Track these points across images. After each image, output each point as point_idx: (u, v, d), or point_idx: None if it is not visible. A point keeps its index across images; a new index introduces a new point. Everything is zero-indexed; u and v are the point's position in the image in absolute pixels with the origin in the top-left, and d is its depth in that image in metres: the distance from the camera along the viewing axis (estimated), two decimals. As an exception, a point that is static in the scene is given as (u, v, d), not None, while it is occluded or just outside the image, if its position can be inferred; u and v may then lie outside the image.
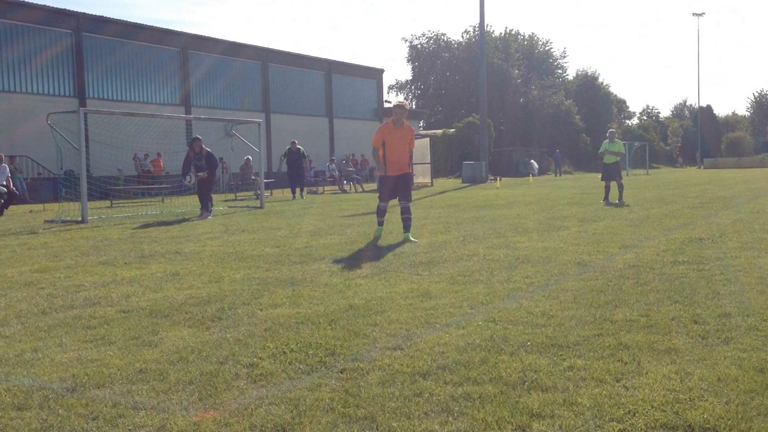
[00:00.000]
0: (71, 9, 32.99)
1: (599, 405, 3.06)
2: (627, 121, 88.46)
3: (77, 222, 13.95)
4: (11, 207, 18.41)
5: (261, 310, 5.10)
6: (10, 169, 19.13)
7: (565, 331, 4.29)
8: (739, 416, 2.90)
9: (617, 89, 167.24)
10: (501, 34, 71.04)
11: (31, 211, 18.70)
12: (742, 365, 3.55)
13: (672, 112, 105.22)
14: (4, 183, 17.72)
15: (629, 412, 2.98)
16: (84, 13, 32.27)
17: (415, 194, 19.93)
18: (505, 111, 63.02)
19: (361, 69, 49.32)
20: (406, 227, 9.34)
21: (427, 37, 67.61)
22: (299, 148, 23.66)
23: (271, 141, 38.62)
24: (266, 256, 8.08)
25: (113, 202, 21.74)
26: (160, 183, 25.11)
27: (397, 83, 69.98)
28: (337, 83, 46.30)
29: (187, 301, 5.49)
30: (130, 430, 2.94)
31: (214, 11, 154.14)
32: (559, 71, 75.60)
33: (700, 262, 6.79)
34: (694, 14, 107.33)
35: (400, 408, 3.09)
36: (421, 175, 32.67)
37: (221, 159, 21.67)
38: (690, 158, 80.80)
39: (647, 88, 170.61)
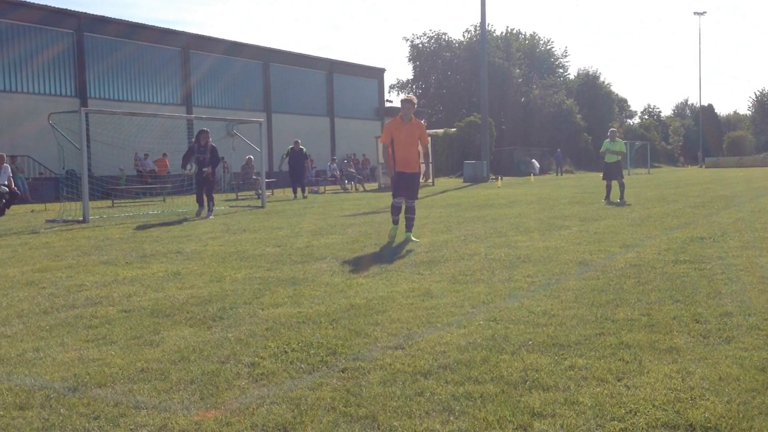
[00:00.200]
0: (72, 9, 33.02)
1: (600, 404, 3.06)
2: (628, 121, 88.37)
3: (79, 221, 13.96)
4: (13, 207, 18.41)
5: (262, 310, 5.11)
6: (11, 169, 19.15)
7: (566, 330, 4.29)
8: (741, 415, 2.90)
9: (618, 88, 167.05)
10: (502, 33, 71.01)
11: (32, 211, 18.72)
12: (743, 364, 3.55)
13: (673, 111, 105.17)
14: (6, 183, 17.73)
15: (630, 411, 2.98)
16: (85, 13, 32.29)
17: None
18: (507, 110, 62.98)
19: (362, 68, 49.32)
20: (409, 227, 9.29)
21: (428, 37, 67.62)
22: (302, 149, 23.62)
23: (272, 141, 38.63)
24: (267, 255, 8.09)
25: (115, 201, 21.75)
26: (163, 182, 25.13)
27: (398, 83, 70.04)
28: (339, 83, 46.29)
29: (188, 301, 5.49)
30: (131, 429, 2.94)
31: (215, 11, 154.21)
32: (561, 70, 75.54)
33: (701, 261, 6.79)
34: (695, 13, 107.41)
35: (402, 407, 3.09)
36: (422, 175, 32.63)
37: (223, 158, 21.67)
38: (691, 157, 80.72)
39: (649, 88, 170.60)
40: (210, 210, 14.90)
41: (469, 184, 32.43)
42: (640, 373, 3.45)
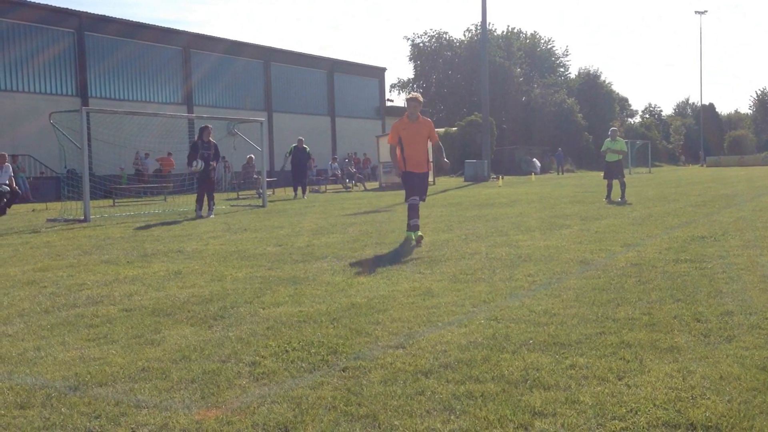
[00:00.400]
0: (73, 8, 33.05)
1: (601, 403, 3.06)
2: (629, 120, 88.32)
3: (79, 221, 13.97)
4: (14, 206, 18.43)
5: (263, 309, 5.11)
6: (12, 168, 19.16)
7: (567, 329, 4.29)
8: (741, 414, 2.90)
9: (619, 87, 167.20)
10: (503, 32, 70.96)
11: (33, 210, 18.73)
12: (744, 363, 3.54)
13: (674, 110, 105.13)
14: (7, 182, 17.75)
15: (631, 410, 2.98)
16: (86, 13, 32.31)
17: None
18: (507, 109, 62.96)
19: (363, 68, 49.32)
20: (410, 227, 9.09)
21: (429, 36, 67.60)
22: (305, 147, 23.52)
23: (273, 140, 38.65)
24: (268, 254, 8.09)
25: (116, 201, 21.77)
26: (164, 182, 25.14)
27: (399, 82, 70.02)
28: (340, 82, 46.29)
29: (189, 300, 5.49)
30: (132, 428, 2.95)
31: (216, 10, 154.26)
32: (561, 69, 75.51)
33: (702, 260, 6.78)
34: (696, 12, 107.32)
35: (402, 406, 3.09)
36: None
37: (224, 158, 21.69)
38: (692, 156, 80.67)
39: (650, 87, 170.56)
40: (210, 209, 14.90)
41: (470, 183, 32.43)
42: (641, 372, 3.45)
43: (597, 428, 2.82)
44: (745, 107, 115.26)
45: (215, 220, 13.77)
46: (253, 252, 8.35)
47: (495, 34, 67.74)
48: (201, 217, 14.34)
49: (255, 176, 24.64)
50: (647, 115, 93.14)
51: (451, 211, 13.75)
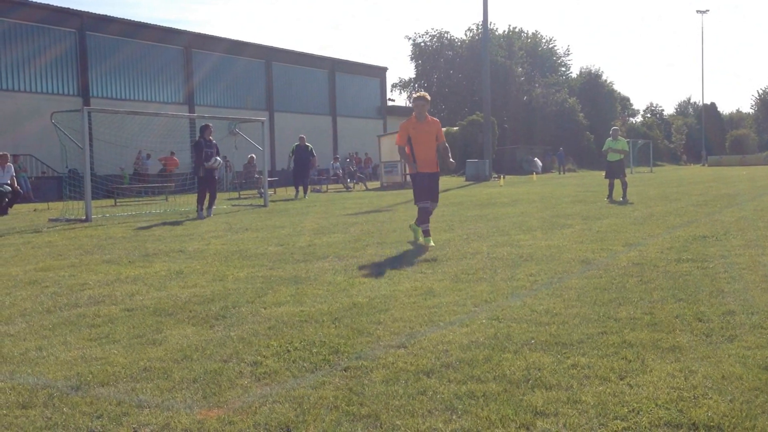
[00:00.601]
0: (75, 8, 33.09)
1: (603, 403, 3.05)
2: (631, 119, 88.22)
3: (81, 220, 13.98)
4: (15, 206, 18.45)
5: (265, 309, 5.11)
6: (14, 168, 19.18)
7: (568, 329, 4.28)
8: (744, 414, 2.89)
9: (621, 87, 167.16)
10: (504, 32, 70.87)
11: (35, 210, 18.75)
12: (746, 363, 3.54)
13: (676, 109, 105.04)
14: (9, 182, 17.77)
15: (633, 410, 2.97)
16: (87, 12, 32.36)
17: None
18: (509, 109, 62.91)
19: (364, 67, 49.33)
20: (419, 221, 8.77)
21: (430, 36, 67.50)
22: (307, 145, 23.41)
23: (274, 139, 38.67)
24: (270, 254, 8.09)
25: (117, 200, 21.78)
26: (165, 181, 25.16)
27: (400, 81, 69.87)
28: (341, 82, 46.31)
29: (191, 300, 5.50)
30: (134, 428, 2.95)
31: (217, 10, 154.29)
32: (563, 69, 75.41)
33: (704, 259, 6.78)
34: (697, 11, 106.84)
35: (404, 406, 3.09)
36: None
37: (225, 157, 21.70)
38: (694, 156, 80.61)
39: (651, 86, 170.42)
40: (210, 207, 14.81)
41: (471, 182, 32.41)
42: (643, 372, 3.45)
43: (599, 428, 2.82)
44: (747, 107, 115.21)
45: (216, 219, 13.76)
46: (255, 252, 8.35)
47: (496, 33, 67.66)
48: (202, 217, 14.24)
49: (256, 176, 24.64)
50: (649, 115, 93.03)
51: (453, 211, 13.74)
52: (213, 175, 14.94)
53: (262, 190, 19.45)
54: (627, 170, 18.29)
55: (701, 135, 79.17)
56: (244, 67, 39.51)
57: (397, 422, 2.91)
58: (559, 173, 48.07)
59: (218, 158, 14.77)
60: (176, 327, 4.64)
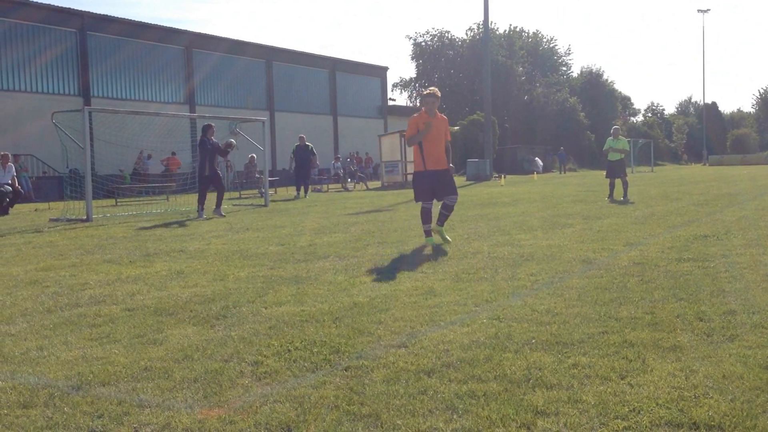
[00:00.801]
0: (75, 8, 33.10)
1: (604, 402, 3.05)
2: (632, 118, 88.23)
3: (82, 220, 13.99)
4: (16, 205, 18.46)
5: (265, 308, 5.11)
6: (15, 168, 19.19)
7: (569, 328, 4.28)
8: (744, 414, 2.89)
9: (622, 86, 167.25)
10: (505, 31, 70.87)
11: (36, 210, 18.76)
12: (747, 362, 3.53)
13: (677, 109, 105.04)
14: (10, 182, 17.78)
15: (634, 409, 2.97)
16: (88, 12, 32.36)
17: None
18: (510, 108, 62.92)
19: (365, 67, 49.33)
20: (440, 222, 8.61)
21: (431, 35, 67.49)
22: (308, 145, 23.41)
23: (275, 139, 38.67)
24: (270, 254, 8.09)
25: (118, 200, 21.79)
26: (170, 181, 25.17)
27: (401, 81, 69.90)
28: (342, 81, 46.31)
29: (191, 299, 5.50)
30: (135, 427, 2.95)
31: (217, 9, 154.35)
32: (564, 68, 75.42)
33: (705, 259, 6.77)
34: (698, 11, 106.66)
35: (405, 406, 3.09)
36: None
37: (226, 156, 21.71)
38: (695, 155, 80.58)
39: (652, 85, 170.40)
40: (217, 208, 14.70)
41: (472, 182, 32.42)
42: (644, 372, 3.45)
43: (600, 427, 2.82)
44: (748, 106, 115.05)
45: (217, 219, 13.76)
46: (256, 251, 8.36)
47: (497, 33, 67.66)
48: (203, 218, 14.12)
49: (257, 175, 24.65)
50: (650, 114, 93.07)
51: (454, 210, 13.73)
52: (218, 174, 14.91)
53: (263, 190, 19.46)
54: (628, 170, 18.29)
55: (702, 134, 79.13)
56: (244, 66, 39.52)
57: (398, 422, 2.91)
58: (560, 173, 48.06)
59: (232, 140, 14.87)
60: (177, 327, 4.64)
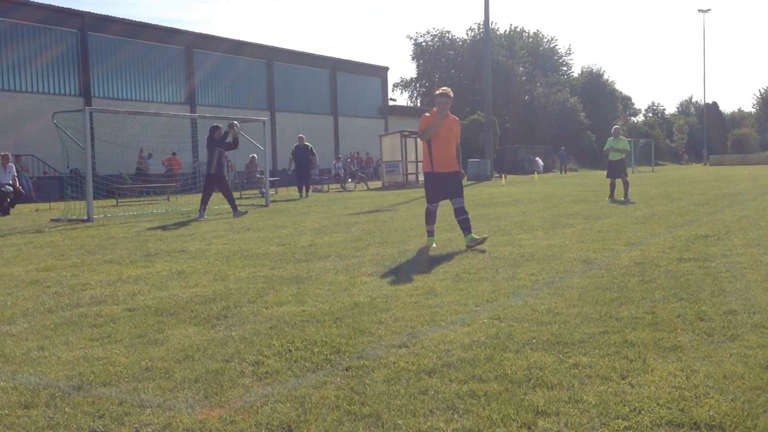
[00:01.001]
0: (76, 8, 33.10)
1: (604, 402, 3.05)
2: (632, 118, 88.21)
3: (83, 220, 13.99)
4: (17, 206, 18.47)
5: (266, 308, 5.11)
6: (16, 168, 19.20)
7: (570, 328, 4.28)
8: (745, 413, 2.89)
9: (622, 86, 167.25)
10: (506, 31, 70.89)
11: (37, 210, 18.77)
12: (747, 362, 3.54)
13: (677, 108, 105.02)
14: (11, 182, 17.78)
15: (635, 409, 2.97)
16: (89, 12, 32.37)
17: (420, 192, 19.91)
18: (510, 108, 62.92)
19: (365, 67, 49.31)
20: (467, 228, 8.17)
21: (431, 35, 67.50)
22: (307, 145, 23.40)
23: (276, 139, 38.67)
24: (271, 254, 8.09)
25: (119, 200, 21.80)
26: (172, 181, 25.17)
27: (401, 81, 69.93)
28: (342, 81, 46.30)
29: (192, 300, 5.50)
30: (136, 428, 2.95)
31: (218, 9, 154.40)
32: (564, 68, 75.41)
33: (705, 259, 6.77)
34: (699, 11, 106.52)
35: (406, 405, 3.09)
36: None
37: (226, 157, 21.69)
38: (695, 155, 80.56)
39: (652, 85, 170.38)
40: (234, 209, 14.67)
41: (472, 182, 32.41)
42: (645, 372, 3.45)
43: (600, 427, 2.82)
44: (749, 106, 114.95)
45: (217, 219, 13.76)
46: (256, 251, 8.36)
47: (498, 33, 67.66)
48: (204, 218, 14.07)
49: (258, 175, 24.66)
50: (650, 114, 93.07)
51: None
52: (223, 174, 14.86)
53: (264, 190, 19.46)
54: (628, 169, 18.29)
55: (703, 134, 79.12)
56: (245, 66, 39.52)
57: (399, 422, 2.91)
58: (561, 173, 48.05)
59: (236, 122, 14.84)
60: (178, 327, 4.64)
